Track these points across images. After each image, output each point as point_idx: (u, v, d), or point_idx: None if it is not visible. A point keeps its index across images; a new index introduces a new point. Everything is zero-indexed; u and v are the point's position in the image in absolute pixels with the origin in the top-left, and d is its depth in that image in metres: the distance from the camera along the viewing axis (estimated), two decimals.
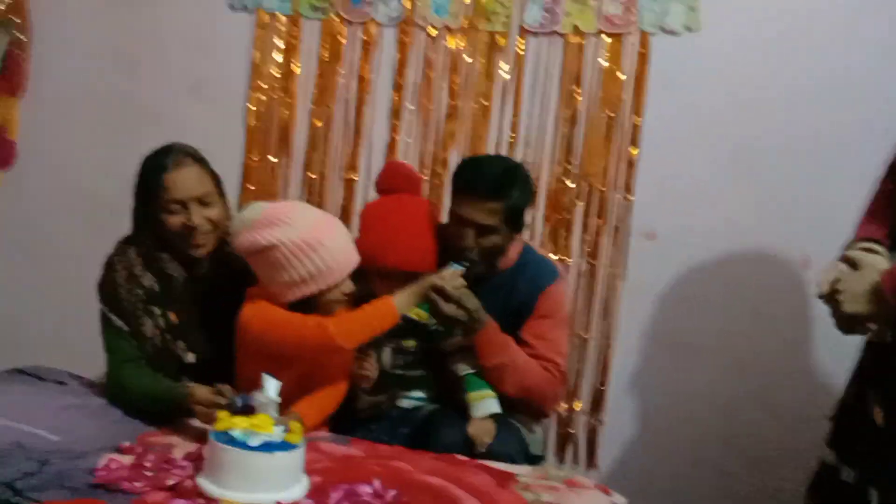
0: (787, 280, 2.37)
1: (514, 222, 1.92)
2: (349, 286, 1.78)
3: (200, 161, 1.86)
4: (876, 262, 1.53)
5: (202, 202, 1.82)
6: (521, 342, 1.93)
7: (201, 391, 1.66)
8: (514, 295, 1.97)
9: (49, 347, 2.80)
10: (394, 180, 2.02)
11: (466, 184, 1.90)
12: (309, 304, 1.74)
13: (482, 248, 1.88)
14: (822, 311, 1.67)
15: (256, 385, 1.52)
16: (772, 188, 2.38)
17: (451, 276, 1.77)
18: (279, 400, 1.50)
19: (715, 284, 2.43)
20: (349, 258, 1.77)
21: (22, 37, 2.87)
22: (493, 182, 1.87)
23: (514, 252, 2.00)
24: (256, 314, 1.73)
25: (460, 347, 1.91)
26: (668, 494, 2.46)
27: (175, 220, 1.80)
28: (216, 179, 1.89)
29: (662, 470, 2.47)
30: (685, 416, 2.46)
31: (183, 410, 1.68)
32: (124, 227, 1.94)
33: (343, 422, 1.89)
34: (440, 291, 1.76)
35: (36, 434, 1.55)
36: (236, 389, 1.71)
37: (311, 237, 1.70)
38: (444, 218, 2.07)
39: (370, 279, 1.89)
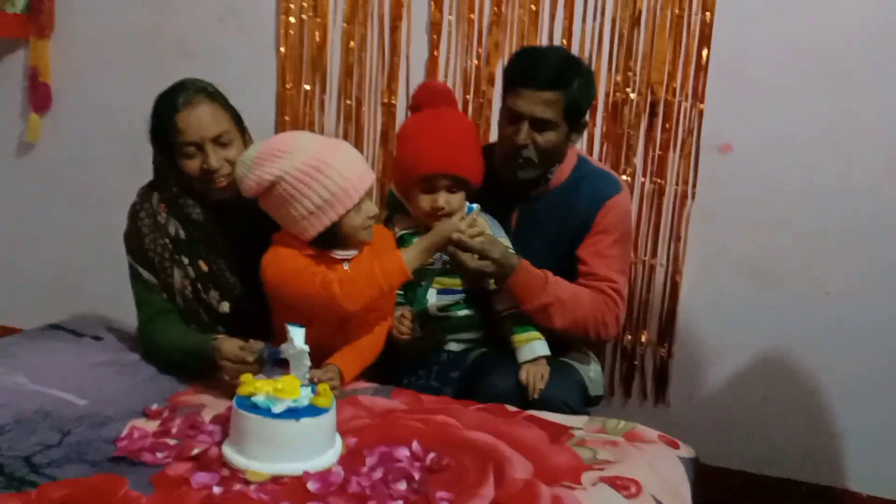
0: (879, 198, 2.09)
1: (574, 119, 1.73)
2: (372, 209, 1.63)
3: (214, 97, 1.71)
4: None
5: (219, 142, 1.68)
6: (575, 260, 1.76)
7: (228, 345, 1.56)
8: (572, 214, 1.78)
9: (103, 292, 2.83)
10: (429, 95, 1.83)
11: (522, 73, 1.71)
12: (335, 239, 1.60)
13: (538, 147, 1.70)
14: None
15: (285, 336, 1.41)
16: (865, 93, 2.07)
17: (468, 223, 1.59)
18: (307, 348, 1.39)
19: (798, 203, 2.17)
20: (362, 176, 1.60)
21: None
22: (552, 71, 1.69)
23: (568, 165, 1.82)
24: (272, 262, 1.61)
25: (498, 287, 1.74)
26: (745, 433, 2.29)
27: (192, 164, 1.67)
28: (235, 116, 1.74)
29: (738, 406, 2.29)
30: (763, 349, 2.25)
31: (214, 365, 1.59)
32: None
33: (391, 368, 1.78)
34: (458, 243, 1.58)
35: (63, 399, 1.49)
36: (275, 338, 1.61)
37: (315, 161, 1.56)
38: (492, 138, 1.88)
39: (413, 202, 1.74)
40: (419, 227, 1.78)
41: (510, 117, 1.72)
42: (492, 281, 1.73)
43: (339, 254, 1.63)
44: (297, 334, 1.40)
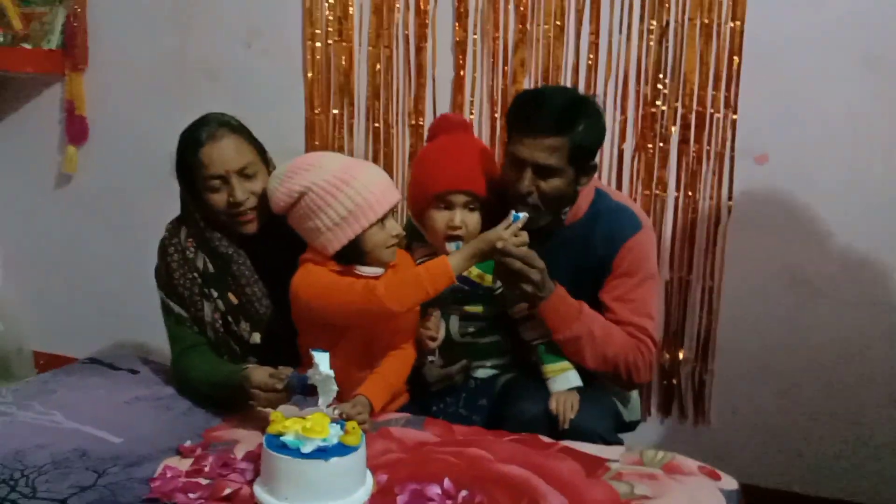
0: None
1: (581, 163, 1.67)
2: (396, 228, 1.61)
3: (237, 129, 1.72)
4: None
5: (244, 174, 1.68)
6: (601, 307, 1.71)
7: (258, 374, 1.56)
8: (590, 251, 1.72)
9: (140, 318, 2.86)
10: (444, 124, 1.82)
11: (524, 119, 1.65)
12: (358, 254, 1.60)
13: (542, 194, 1.65)
14: None
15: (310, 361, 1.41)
16: None
17: (513, 231, 1.55)
18: (333, 373, 1.38)
19: (840, 209, 2.10)
20: (386, 192, 1.60)
21: (77, 8, 2.80)
22: (554, 115, 1.62)
23: (584, 201, 1.75)
24: (303, 280, 1.60)
25: (528, 315, 1.70)
26: (793, 451, 2.22)
27: (218, 198, 1.68)
28: (258, 148, 1.74)
29: (785, 423, 2.22)
30: (808, 361, 2.18)
31: (245, 395, 1.58)
32: None
33: (419, 395, 1.76)
34: (502, 251, 1.55)
35: (98, 437, 1.51)
36: (304, 363, 1.61)
37: (342, 174, 1.58)
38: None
39: (429, 224, 1.72)
40: (437, 255, 1.75)
41: (513, 163, 1.67)
42: (524, 305, 1.70)
43: (364, 270, 1.62)
44: (322, 359, 1.39)
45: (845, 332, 2.14)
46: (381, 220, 1.59)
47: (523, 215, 1.57)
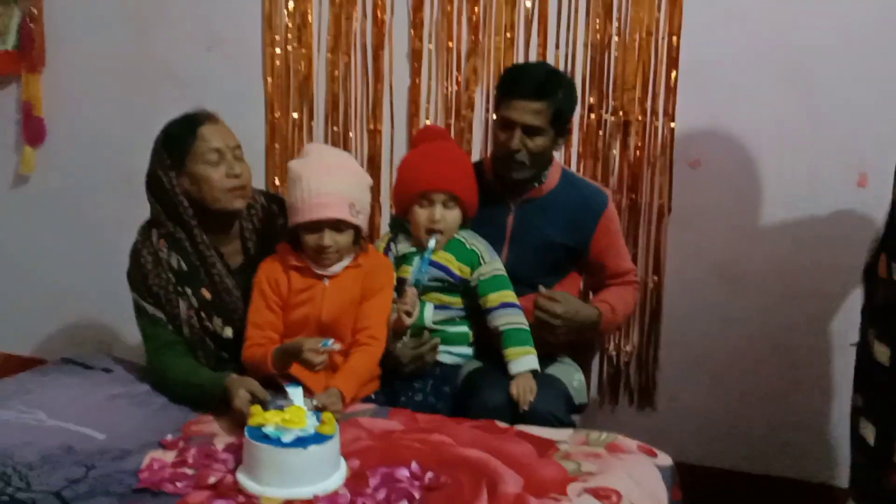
0: (842, 201, 2.22)
1: (560, 125, 1.93)
2: (315, 239, 1.74)
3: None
4: None
5: (236, 155, 1.82)
6: (595, 263, 2.05)
7: (240, 398, 1.61)
8: (565, 213, 1.99)
9: (99, 315, 2.92)
10: (426, 134, 2.06)
11: (513, 85, 1.91)
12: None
13: (529, 150, 1.90)
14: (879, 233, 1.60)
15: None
16: (828, 102, 2.20)
17: (315, 350, 1.69)
18: (306, 406, 1.51)
19: (767, 209, 2.30)
20: (317, 205, 1.72)
21: (34, 9, 2.82)
22: (539, 82, 1.90)
23: (555, 172, 2.02)
24: (260, 268, 1.83)
25: (501, 304, 1.89)
26: (726, 432, 2.42)
27: (216, 173, 1.78)
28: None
29: (719, 406, 2.42)
30: (740, 349, 2.38)
31: (223, 402, 1.66)
32: None
33: (389, 381, 1.89)
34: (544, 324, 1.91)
35: (83, 434, 1.59)
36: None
37: (300, 169, 1.76)
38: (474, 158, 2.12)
39: (412, 219, 1.89)
40: (418, 245, 1.91)
41: (503, 125, 1.91)
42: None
43: (316, 268, 1.79)
44: (295, 394, 1.56)
45: (771, 323, 2.34)
46: (316, 229, 1.73)
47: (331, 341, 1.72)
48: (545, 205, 2.00)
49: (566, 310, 1.89)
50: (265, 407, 1.52)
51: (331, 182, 1.74)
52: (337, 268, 1.79)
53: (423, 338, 1.90)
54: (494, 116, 2.03)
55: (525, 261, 1.97)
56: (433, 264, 1.88)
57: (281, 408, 1.48)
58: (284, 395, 1.59)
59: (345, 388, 1.70)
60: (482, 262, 1.90)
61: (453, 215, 1.88)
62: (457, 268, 1.90)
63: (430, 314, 1.92)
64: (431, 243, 1.86)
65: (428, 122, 2.49)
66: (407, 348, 1.88)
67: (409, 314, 1.82)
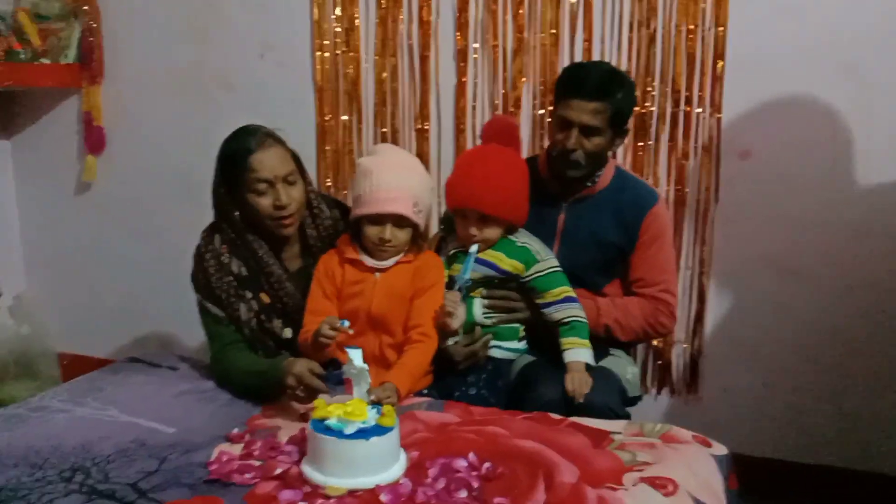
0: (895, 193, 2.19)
1: (619, 125, 1.92)
2: (376, 232, 1.81)
3: (280, 142, 1.89)
4: None
5: (287, 181, 1.86)
6: (630, 269, 2.01)
7: (298, 366, 1.70)
8: (617, 214, 1.99)
9: (162, 316, 3.02)
10: (490, 130, 1.99)
11: (572, 84, 1.90)
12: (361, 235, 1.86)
13: (586, 150, 1.90)
14: None
15: None
16: (880, 92, 2.17)
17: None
18: (367, 367, 1.55)
19: (816, 204, 2.28)
20: (383, 199, 1.79)
21: (93, 23, 2.93)
22: (599, 82, 1.88)
23: (609, 171, 2.02)
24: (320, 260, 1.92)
25: (564, 297, 1.92)
26: (778, 423, 2.40)
27: (264, 201, 1.84)
28: (296, 159, 1.92)
29: (770, 397, 2.40)
30: (791, 341, 2.36)
31: (282, 386, 1.73)
32: None
33: (443, 376, 1.93)
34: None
35: (154, 428, 1.67)
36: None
37: (370, 164, 1.83)
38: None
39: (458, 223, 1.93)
40: (467, 248, 1.93)
41: (561, 124, 1.91)
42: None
43: (366, 260, 1.85)
44: (355, 355, 1.56)
45: (826, 314, 2.32)
46: (379, 221, 1.79)
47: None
48: (596, 203, 2.00)
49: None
50: (324, 379, 1.57)
51: (398, 179, 1.81)
52: (389, 262, 1.84)
53: (475, 334, 1.93)
54: (551, 114, 2.04)
55: (575, 259, 1.98)
56: (479, 261, 1.91)
57: (340, 376, 1.53)
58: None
59: (399, 383, 1.75)
60: (538, 259, 1.93)
61: (492, 231, 1.89)
62: (508, 265, 1.92)
63: (479, 310, 1.95)
64: (473, 249, 1.88)
65: (496, 115, 2.48)
66: (459, 345, 1.92)
67: (450, 316, 1.85)
